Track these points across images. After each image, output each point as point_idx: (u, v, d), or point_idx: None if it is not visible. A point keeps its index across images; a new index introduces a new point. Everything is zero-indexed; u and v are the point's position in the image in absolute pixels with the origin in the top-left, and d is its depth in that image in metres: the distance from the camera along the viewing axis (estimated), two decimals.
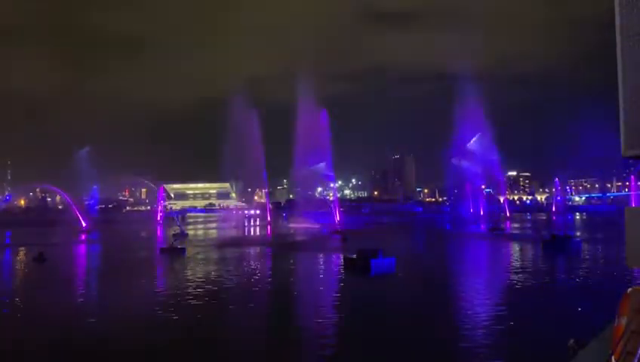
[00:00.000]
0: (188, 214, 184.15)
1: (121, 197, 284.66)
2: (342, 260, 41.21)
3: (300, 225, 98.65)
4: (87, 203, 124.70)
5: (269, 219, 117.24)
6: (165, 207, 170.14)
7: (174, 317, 22.50)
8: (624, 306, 5.24)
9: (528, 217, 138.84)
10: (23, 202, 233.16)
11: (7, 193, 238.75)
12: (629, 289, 5.49)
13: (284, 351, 17.36)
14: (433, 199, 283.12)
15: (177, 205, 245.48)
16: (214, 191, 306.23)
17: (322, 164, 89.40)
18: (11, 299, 28.04)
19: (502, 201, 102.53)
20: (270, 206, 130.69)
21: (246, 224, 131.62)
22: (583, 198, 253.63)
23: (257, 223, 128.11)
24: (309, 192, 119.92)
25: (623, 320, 5.00)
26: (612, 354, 4.49)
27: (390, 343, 18.00)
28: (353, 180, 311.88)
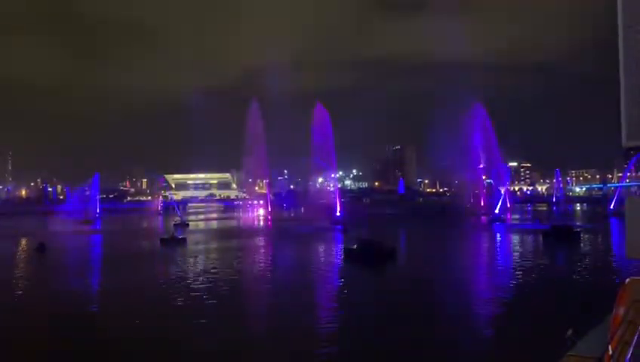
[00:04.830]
0: (189, 204, 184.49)
1: (122, 187, 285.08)
2: (343, 250, 41.34)
3: (300, 216, 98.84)
4: (89, 193, 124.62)
5: (269, 209, 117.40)
6: (166, 197, 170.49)
7: (173, 309, 22.60)
8: (622, 297, 5.28)
9: (529, 208, 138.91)
10: (24, 192, 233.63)
11: (8, 186, 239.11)
12: (627, 280, 5.53)
13: (285, 342, 17.45)
14: (434, 190, 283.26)
15: (178, 195, 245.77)
16: (215, 182, 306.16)
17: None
18: (13, 290, 28.12)
19: (503, 192, 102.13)
20: (271, 196, 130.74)
21: (247, 214, 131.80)
22: (584, 189, 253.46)
23: (258, 213, 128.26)
24: (310, 183, 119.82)
25: (621, 311, 5.05)
26: (609, 344, 4.54)
27: (395, 330, 18.12)
28: (354, 171, 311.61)
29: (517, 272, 31.05)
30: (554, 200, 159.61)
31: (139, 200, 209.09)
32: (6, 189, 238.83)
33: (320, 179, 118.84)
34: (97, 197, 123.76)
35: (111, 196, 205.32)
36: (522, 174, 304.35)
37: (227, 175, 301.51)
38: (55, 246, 49.40)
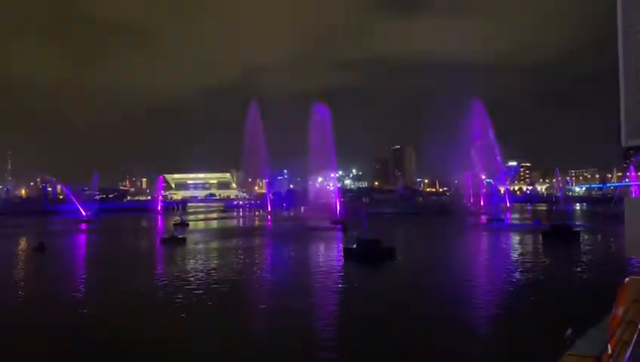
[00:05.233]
0: (188, 204, 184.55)
1: (122, 187, 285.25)
2: (342, 250, 41.37)
3: (300, 215, 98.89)
4: (89, 193, 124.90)
5: (269, 209, 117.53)
6: (166, 196, 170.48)
7: (173, 309, 22.61)
8: (621, 296, 5.30)
9: (528, 208, 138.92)
10: (23, 192, 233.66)
11: (7, 186, 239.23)
12: (627, 280, 5.55)
13: (285, 343, 17.47)
14: (434, 189, 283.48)
15: (178, 195, 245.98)
16: (215, 182, 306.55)
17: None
18: (12, 290, 28.13)
19: (502, 192, 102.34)
20: (270, 196, 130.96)
21: (247, 214, 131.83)
22: (583, 189, 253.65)
23: (258, 213, 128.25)
24: (310, 182, 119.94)
25: (620, 311, 5.07)
26: (609, 343, 4.56)
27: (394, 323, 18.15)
28: (354, 170, 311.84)
29: (516, 272, 31.09)
30: (554, 199, 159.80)
31: (139, 200, 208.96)
32: (5, 189, 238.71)
33: (319, 179, 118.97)
34: (97, 196, 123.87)
35: (111, 196, 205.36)
36: (522, 174, 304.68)
37: (227, 175, 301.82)
38: (54, 245, 49.41)
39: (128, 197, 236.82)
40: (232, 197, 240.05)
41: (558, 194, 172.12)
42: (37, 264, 38.86)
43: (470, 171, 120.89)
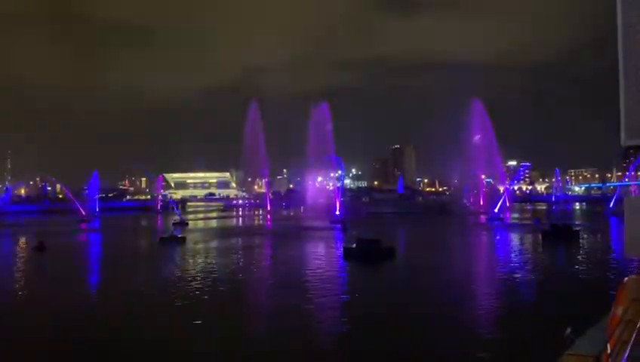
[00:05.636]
0: (188, 203, 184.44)
1: (121, 187, 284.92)
2: (342, 249, 41.35)
3: (300, 215, 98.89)
4: (87, 192, 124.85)
5: (269, 208, 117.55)
6: (165, 196, 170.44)
7: (173, 309, 22.61)
8: (621, 296, 5.31)
9: (528, 207, 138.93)
10: (23, 191, 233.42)
11: (7, 186, 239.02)
12: (626, 279, 5.56)
13: (285, 343, 17.47)
14: (433, 189, 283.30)
15: (177, 194, 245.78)
16: (214, 181, 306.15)
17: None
18: (12, 290, 28.12)
19: (502, 191, 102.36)
20: (270, 195, 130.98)
21: (246, 213, 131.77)
22: (583, 188, 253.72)
23: (257, 213, 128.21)
24: (309, 182, 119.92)
25: (619, 310, 5.08)
26: (608, 343, 4.58)
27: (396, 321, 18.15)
28: (353, 170, 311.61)
29: (516, 271, 31.09)
30: (553, 199, 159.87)
31: (138, 199, 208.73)
32: (5, 188, 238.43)
33: (319, 179, 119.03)
34: (96, 196, 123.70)
35: (110, 195, 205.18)
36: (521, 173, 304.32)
37: (226, 174, 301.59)
38: (54, 245, 49.34)
39: (128, 197, 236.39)
40: (231, 196, 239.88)
41: (558, 194, 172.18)
42: (37, 263, 38.84)
43: (470, 171, 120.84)
